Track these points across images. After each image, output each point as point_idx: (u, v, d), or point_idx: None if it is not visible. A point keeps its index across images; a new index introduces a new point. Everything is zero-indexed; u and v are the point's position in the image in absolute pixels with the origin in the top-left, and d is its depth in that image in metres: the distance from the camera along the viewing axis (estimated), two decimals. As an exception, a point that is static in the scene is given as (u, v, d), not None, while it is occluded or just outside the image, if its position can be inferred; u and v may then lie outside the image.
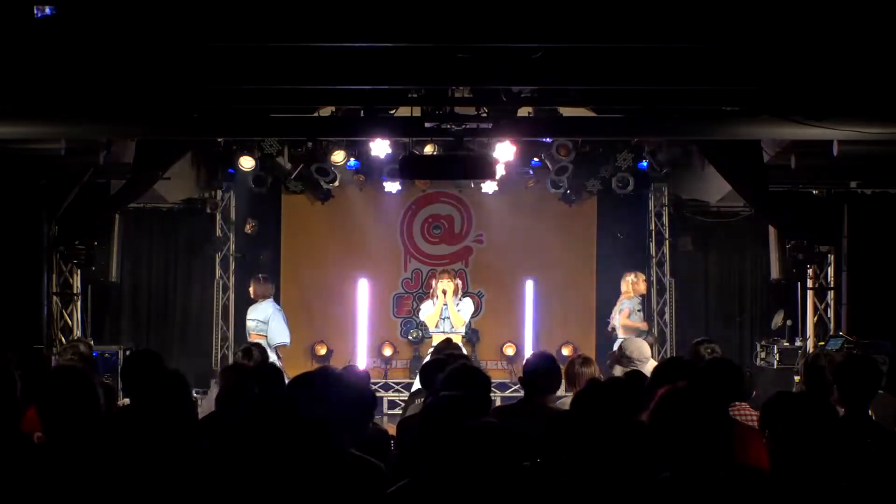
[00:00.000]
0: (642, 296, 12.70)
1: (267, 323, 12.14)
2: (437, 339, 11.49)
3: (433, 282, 11.65)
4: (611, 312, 12.57)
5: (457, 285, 11.57)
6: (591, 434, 4.14)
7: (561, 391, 6.63)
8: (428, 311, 11.44)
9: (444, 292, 11.21)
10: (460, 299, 11.50)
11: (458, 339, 11.46)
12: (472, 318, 12.69)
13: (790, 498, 3.43)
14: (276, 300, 12.65)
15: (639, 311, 12.50)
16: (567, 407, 5.45)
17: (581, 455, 4.08)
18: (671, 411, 3.66)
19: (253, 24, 6.58)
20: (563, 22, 6.57)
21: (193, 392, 4.89)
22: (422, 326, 12.34)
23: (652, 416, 3.73)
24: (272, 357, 11.40)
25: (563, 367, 6.66)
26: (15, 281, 11.00)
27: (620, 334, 11.99)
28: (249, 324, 12.23)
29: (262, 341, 11.94)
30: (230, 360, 12.20)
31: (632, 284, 12.42)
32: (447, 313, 11.37)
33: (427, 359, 8.89)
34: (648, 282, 14.01)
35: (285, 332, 12.16)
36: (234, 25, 6.59)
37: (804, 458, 3.45)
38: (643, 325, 12.58)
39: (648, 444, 3.78)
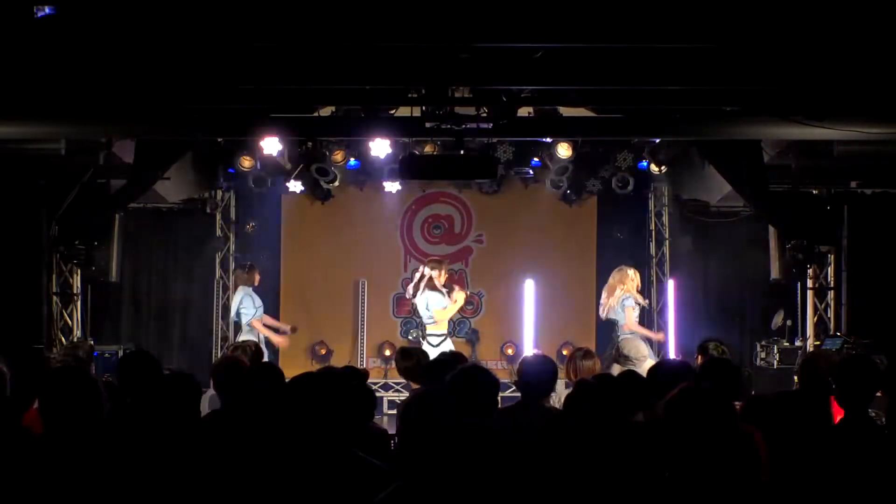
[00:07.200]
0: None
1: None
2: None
3: (425, 269, 11.55)
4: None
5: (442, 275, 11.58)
6: (585, 434, 4.12)
7: (561, 385, 6.68)
8: (440, 304, 11.36)
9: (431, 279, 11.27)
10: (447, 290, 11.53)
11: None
12: (472, 318, 12.71)
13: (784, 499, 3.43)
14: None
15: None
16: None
17: (578, 455, 4.07)
18: (688, 409, 3.58)
19: (253, 24, 6.58)
20: (563, 22, 6.58)
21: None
22: (422, 327, 12.24)
23: (667, 410, 3.64)
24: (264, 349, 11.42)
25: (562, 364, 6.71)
26: (15, 281, 11.00)
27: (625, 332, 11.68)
28: (255, 311, 11.98)
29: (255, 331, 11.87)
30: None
31: (630, 280, 11.83)
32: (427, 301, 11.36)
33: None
34: (648, 282, 14.02)
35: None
36: (234, 25, 6.59)
37: (793, 457, 3.44)
38: (652, 335, 12.08)
39: (646, 443, 3.76)
